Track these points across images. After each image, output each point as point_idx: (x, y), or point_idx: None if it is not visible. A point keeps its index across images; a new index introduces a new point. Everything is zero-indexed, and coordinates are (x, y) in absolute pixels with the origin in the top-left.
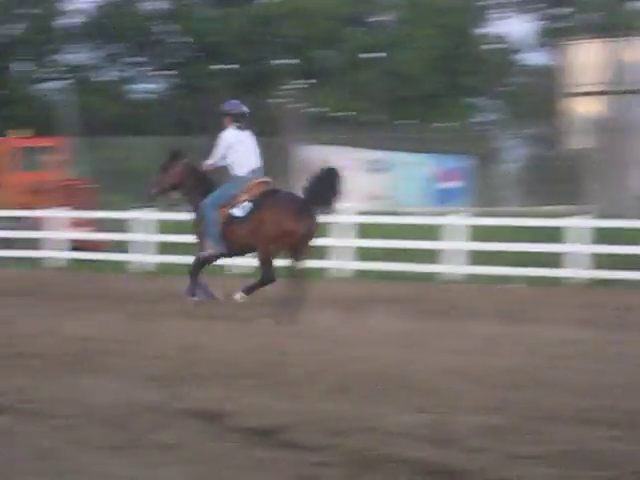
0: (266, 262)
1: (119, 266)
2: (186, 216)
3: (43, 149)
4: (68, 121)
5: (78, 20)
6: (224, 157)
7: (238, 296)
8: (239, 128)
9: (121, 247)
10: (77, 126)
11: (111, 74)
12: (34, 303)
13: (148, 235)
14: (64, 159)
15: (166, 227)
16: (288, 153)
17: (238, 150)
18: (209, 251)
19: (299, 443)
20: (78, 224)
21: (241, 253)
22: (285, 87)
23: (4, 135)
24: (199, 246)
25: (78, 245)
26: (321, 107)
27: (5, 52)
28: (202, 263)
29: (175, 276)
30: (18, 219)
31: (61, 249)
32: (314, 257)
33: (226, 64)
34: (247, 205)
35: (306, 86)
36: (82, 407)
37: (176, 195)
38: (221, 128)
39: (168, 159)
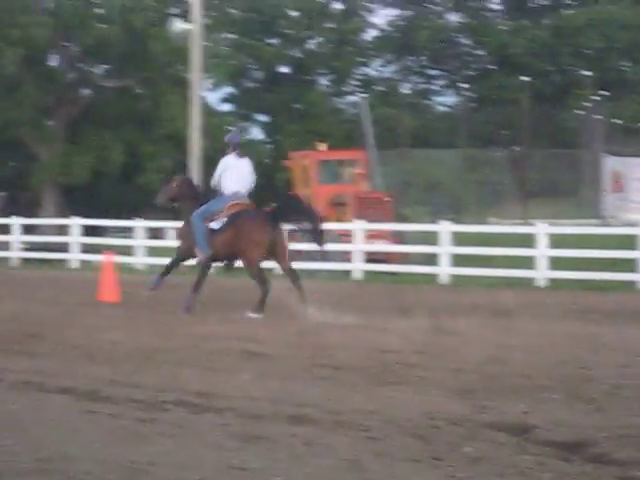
0: (255, 273)
1: (420, 278)
2: (479, 229)
3: (343, 162)
4: (367, 134)
5: (374, 34)
6: (218, 178)
7: (253, 315)
8: (237, 155)
9: (424, 259)
10: (376, 139)
11: (407, 87)
12: (336, 315)
13: (444, 247)
14: (363, 172)
15: (465, 239)
16: (589, 165)
17: (230, 174)
18: (199, 256)
19: (606, 458)
20: (376, 236)
21: (227, 259)
22: (584, 98)
23: (308, 148)
24: (178, 250)
25: (374, 257)
26: (620, 119)
27: (309, 67)
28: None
29: (473, 288)
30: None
31: (359, 261)
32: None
33: (521, 76)
34: (223, 220)
35: (604, 97)
36: (386, 419)
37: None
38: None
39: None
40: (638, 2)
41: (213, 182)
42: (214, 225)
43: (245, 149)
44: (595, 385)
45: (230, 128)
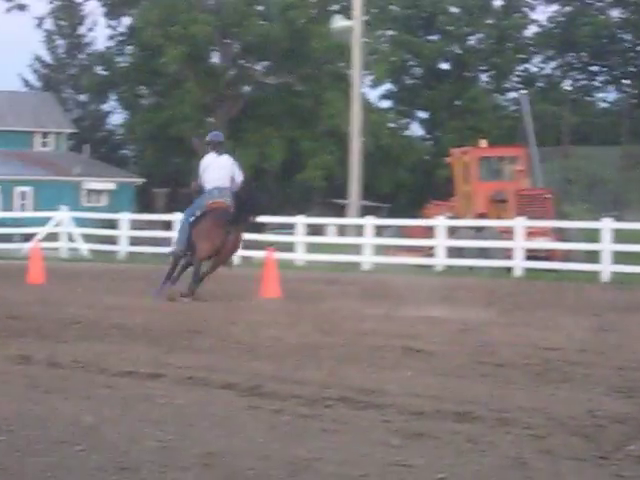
0: (196, 267)
1: (582, 276)
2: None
3: (504, 159)
4: (527, 131)
5: (535, 30)
6: (201, 176)
7: (185, 299)
8: (217, 153)
9: (586, 257)
10: (536, 136)
11: (568, 83)
12: (498, 313)
13: (606, 245)
14: (524, 169)
15: (627, 236)
16: None
17: (210, 171)
18: (173, 248)
19: None
20: (536, 233)
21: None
22: None
23: (469, 145)
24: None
25: (535, 254)
26: None
27: (469, 63)
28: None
29: (635, 286)
30: (480, 229)
31: (521, 259)
32: None
33: None
34: (196, 215)
35: None
36: (549, 417)
37: None
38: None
39: None
40: None
41: (198, 181)
42: (192, 219)
43: (224, 147)
44: None
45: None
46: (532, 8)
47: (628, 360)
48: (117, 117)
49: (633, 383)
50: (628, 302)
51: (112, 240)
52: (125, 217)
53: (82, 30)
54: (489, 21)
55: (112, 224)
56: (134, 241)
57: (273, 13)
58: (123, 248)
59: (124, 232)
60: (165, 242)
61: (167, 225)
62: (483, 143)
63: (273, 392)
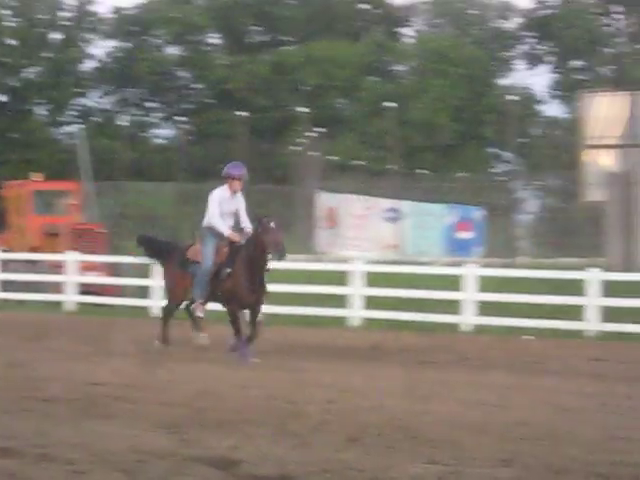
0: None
1: (136, 311)
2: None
3: (58, 193)
4: (83, 165)
5: (94, 65)
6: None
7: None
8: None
9: (139, 292)
10: (92, 170)
11: (125, 119)
12: (46, 347)
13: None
14: (78, 203)
15: None
16: (305, 200)
17: None
18: None
19: None
20: (89, 268)
21: None
22: (301, 135)
23: (23, 178)
24: None
25: (89, 289)
26: (336, 155)
27: (25, 96)
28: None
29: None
30: (34, 262)
31: (73, 293)
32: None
33: (240, 111)
34: None
35: (321, 134)
36: (91, 453)
37: None
38: None
39: None
40: (353, 40)
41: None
42: None
43: None
44: (302, 420)
45: None
46: (90, 42)
47: (174, 396)
48: None
49: (177, 419)
50: (177, 336)
51: None
52: None
53: None
54: (47, 54)
55: None
56: None
57: None
58: None
59: None
60: None
61: None
62: (38, 176)
63: None
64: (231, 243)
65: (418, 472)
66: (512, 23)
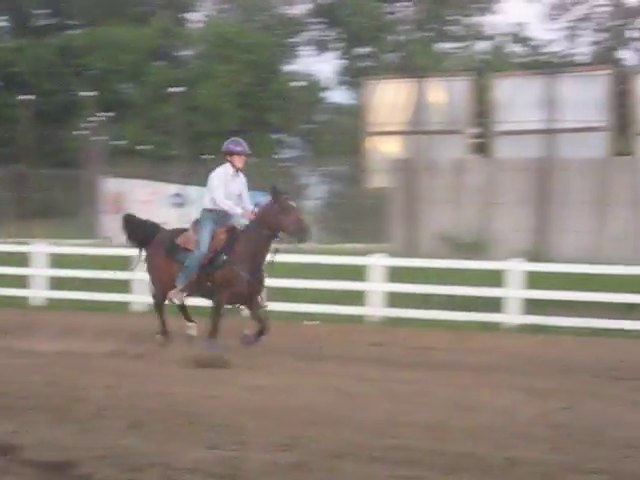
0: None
1: None
2: None
3: None
4: None
5: None
6: None
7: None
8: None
9: None
10: None
11: None
12: None
13: None
14: None
15: None
16: (89, 185)
17: None
18: None
19: (92, 478)
20: None
21: None
22: (87, 119)
23: None
24: None
25: None
26: (122, 140)
27: None
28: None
29: None
30: None
31: None
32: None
33: (27, 95)
34: None
35: (107, 118)
36: None
37: None
38: None
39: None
40: (140, 25)
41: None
42: None
43: None
44: (83, 406)
45: None
46: None
47: None
48: None
49: None
50: None
51: None
52: None
53: None
54: None
55: None
56: None
57: None
58: None
59: None
60: None
61: None
62: None
63: None
64: (230, 229)
65: (199, 457)
66: (299, 9)
